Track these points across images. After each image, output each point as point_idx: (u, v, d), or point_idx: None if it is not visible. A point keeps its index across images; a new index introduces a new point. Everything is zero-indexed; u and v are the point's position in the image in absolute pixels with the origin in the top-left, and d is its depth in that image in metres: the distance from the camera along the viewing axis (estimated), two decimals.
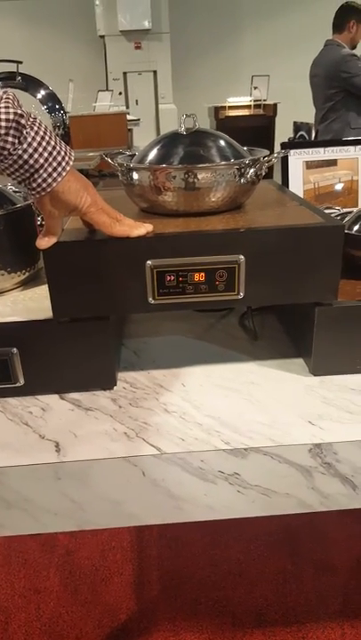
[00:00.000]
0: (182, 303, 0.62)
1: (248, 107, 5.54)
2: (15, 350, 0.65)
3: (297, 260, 0.61)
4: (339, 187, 1.00)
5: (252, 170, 0.65)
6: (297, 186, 1.00)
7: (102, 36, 6.41)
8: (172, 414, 0.63)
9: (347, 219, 0.77)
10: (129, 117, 5.02)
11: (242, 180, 0.66)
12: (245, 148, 0.72)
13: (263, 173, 0.68)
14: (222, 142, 0.69)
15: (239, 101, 5.60)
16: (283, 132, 4.20)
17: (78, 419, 0.63)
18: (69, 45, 6.80)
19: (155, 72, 6.52)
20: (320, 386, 0.67)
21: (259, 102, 5.59)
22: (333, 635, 1.15)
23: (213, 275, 0.60)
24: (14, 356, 0.65)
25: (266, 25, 6.67)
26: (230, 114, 5.34)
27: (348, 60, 2.90)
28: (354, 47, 3.01)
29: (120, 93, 6.40)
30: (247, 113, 5.40)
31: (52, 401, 0.67)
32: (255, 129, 5.00)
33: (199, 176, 0.63)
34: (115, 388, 0.69)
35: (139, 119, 5.16)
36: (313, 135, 3.48)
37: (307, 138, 3.61)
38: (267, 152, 0.70)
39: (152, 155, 0.68)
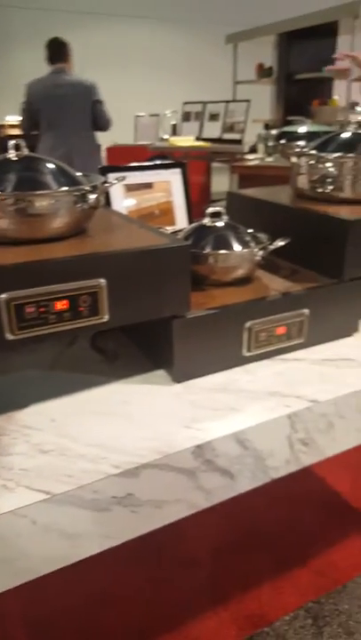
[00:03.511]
0: (46, 334, 0.60)
1: None
2: None
3: (153, 278, 0.64)
4: (156, 208, 1.08)
5: (94, 195, 0.67)
6: (119, 208, 1.04)
7: None
8: (50, 453, 0.60)
9: (178, 237, 0.84)
10: None
11: (84, 206, 0.66)
12: (79, 174, 0.73)
13: (103, 198, 0.70)
14: (55, 167, 0.68)
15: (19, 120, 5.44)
16: None
17: None
18: None
19: None
20: (185, 391, 0.71)
21: None
22: (211, 623, 1.22)
23: (77, 301, 0.59)
24: None
25: (37, 42, 6.61)
26: (13, 132, 5.15)
27: (96, 87, 3.23)
28: None
29: None
30: None
31: None
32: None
33: (42, 203, 0.62)
34: None
35: None
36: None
37: None
38: (101, 178, 0.72)
39: None
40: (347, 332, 0.85)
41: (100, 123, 3.28)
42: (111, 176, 0.97)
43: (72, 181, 0.68)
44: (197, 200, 4.08)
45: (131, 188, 1.04)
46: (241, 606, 1.27)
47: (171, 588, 1.33)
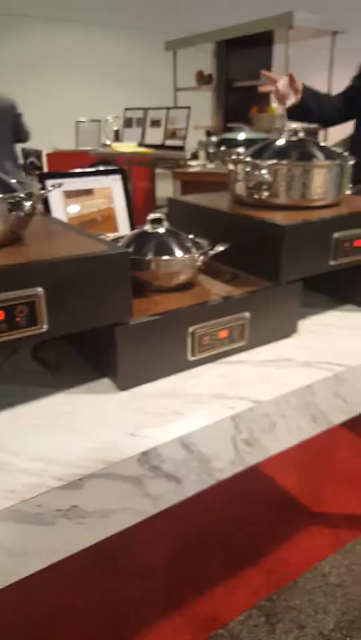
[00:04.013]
0: None
1: None
2: None
3: (93, 286, 0.63)
4: (98, 215, 1.07)
5: (29, 202, 0.65)
6: (59, 215, 1.02)
7: None
8: None
9: (119, 244, 0.83)
10: None
11: (19, 214, 0.65)
12: (14, 181, 0.71)
13: (39, 205, 0.69)
14: None
15: None
16: None
17: None
18: None
19: None
20: (130, 399, 0.71)
21: None
22: (166, 630, 1.22)
23: (13, 311, 0.58)
24: None
25: None
26: None
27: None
28: None
29: None
30: None
31: None
32: None
33: None
34: None
35: None
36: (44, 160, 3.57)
37: (38, 164, 3.67)
38: (37, 185, 0.71)
39: None
40: (286, 333, 0.88)
41: (23, 135, 3.33)
42: (49, 183, 0.95)
43: (6, 188, 0.66)
44: (142, 206, 4.09)
45: (70, 195, 1.02)
46: (195, 610, 1.27)
47: (123, 597, 1.32)
